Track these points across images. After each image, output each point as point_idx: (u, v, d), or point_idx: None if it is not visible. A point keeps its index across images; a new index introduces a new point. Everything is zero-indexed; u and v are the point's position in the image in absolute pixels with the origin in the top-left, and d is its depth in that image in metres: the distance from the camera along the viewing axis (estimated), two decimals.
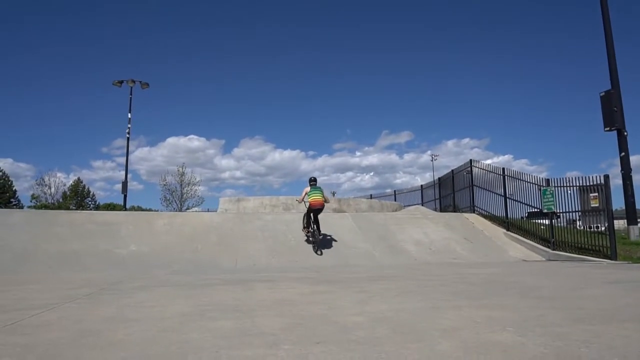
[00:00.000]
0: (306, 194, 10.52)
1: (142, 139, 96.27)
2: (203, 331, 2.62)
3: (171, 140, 79.33)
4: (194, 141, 77.08)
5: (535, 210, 11.52)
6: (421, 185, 20.45)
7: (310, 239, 10.34)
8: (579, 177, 10.39)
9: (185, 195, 35.30)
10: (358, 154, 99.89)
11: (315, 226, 10.29)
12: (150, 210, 35.30)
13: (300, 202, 10.98)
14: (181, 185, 35.28)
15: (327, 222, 11.20)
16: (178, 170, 35.70)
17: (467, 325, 2.71)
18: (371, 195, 24.70)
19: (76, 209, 37.74)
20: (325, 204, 10.48)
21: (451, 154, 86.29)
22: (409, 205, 18.35)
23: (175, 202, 34.79)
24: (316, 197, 10.26)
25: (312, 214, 10.37)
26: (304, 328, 2.69)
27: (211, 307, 3.57)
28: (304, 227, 10.63)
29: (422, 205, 18.63)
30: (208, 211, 19.84)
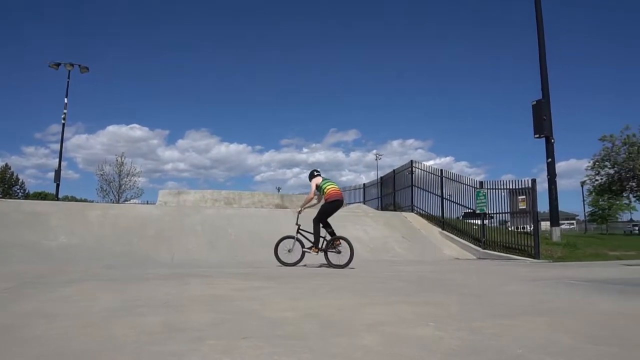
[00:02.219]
0: (317, 186, 7.82)
1: (81, 125, 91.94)
2: (128, 327, 2.55)
3: (112, 128, 76.35)
4: (137, 130, 74.64)
5: (470, 211, 12.09)
6: (364, 184, 20.84)
7: (330, 261, 7.29)
8: (509, 181, 11.02)
9: (123, 186, 34.06)
10: (305, 150, 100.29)
11: (329, 232, 7.58)
12: (85, 201, 33.73)
13: (306, 207, 7.98)
14: (120, 175, 34.02)
15: (269, 218, 11.18)
16: (117, 160, 34.38)
17: (393, 320, 2.81)
18: None
19: (2, 198, 35.37)
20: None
21: (396, 154, 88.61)
22: (352, 203, 18.63)
23: (113, 193, 33.49)
24: (334, 186, 7.81)
25: (327, 216, 7.66)
26: (233, 323, 2.69)
27: (141, 303, 3.48)
28: (315, 247, 7.57)
29: (365, 203, 18.99)
30: (147, 204, 19.22)
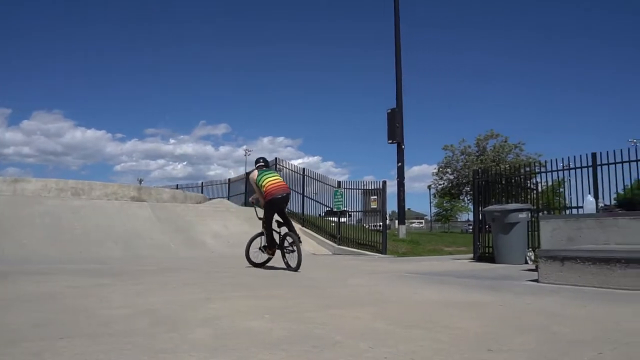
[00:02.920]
0: (255, 183, 6.64)
1: None
2: None
3: None
4: None
5: (329, 209, 12.75)
6: (229, 179, 20.62)
7: (287, 263, 6.31)
8: (363, 182, 11.83)
9: None
10: (172, 141, 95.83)
11: (285, 231, 6.57)
12: None
13: (252, 198, 7.31)
14: None
15: (122, 212, 10.48)
16: None
17: (230, 314, 2.85)
18: (177, 185, 23.91)
19: None
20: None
21: (266, 151, 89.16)
22: (214, 198, 18.32)
23: None
24: (276, 180, 6.62)
25: (275, 212, 6.65)
26: (58, 323, 2.50)
27: None
28: (267, 247, 6.57)
29: (229, 199, 18.79)
30: None
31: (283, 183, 6.74)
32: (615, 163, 7.27)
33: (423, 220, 67.02)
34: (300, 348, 2.00)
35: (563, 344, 2.16)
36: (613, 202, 7.10)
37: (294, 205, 13.89)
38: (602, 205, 6.82)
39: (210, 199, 18.12)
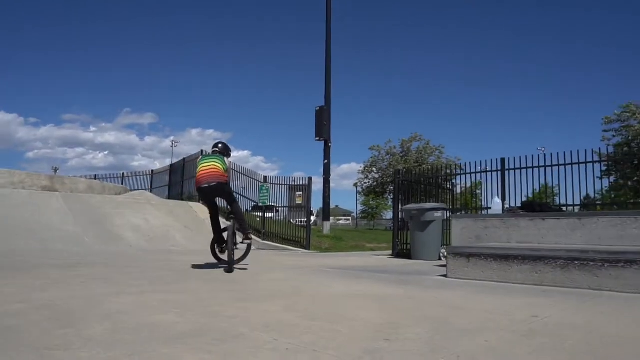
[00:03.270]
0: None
1: None
2: None
3: None
4: None
5: (256, 203, 12.66)
6: (152, 171, 19.86)
7: (224, 266, 5.49)
8: (289, 177, 11.89)
9: None
10: (93, 129, 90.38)
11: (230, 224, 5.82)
12: None
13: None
14: None
15: (30, 202, 9.76)
16: None
17: (137, 309, 2.76)
18: (96, 175, 22.66)
19: None
20: (224, 179, 5.78)
21: (194, 143, 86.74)
22: (136, 190, 17.57)
23: None
24: (206, 168, 5.67)
25: (209, 208, 6.08)
26: None
27: None
28: (218, 246, 5.96)
29: (152, 191, 18.11)
30: None
31: (213, 170, 5.63)
32: (521, 168, 7.91)
33: (350, 218, 68.44)
34: (201, 341, 1.99)
35: (456, 333, 2.31)
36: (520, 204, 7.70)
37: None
38: (508, 207, 7.36)
39: (131, 190, 17.36)
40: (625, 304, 3.24)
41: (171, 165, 18.22)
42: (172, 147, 57.05)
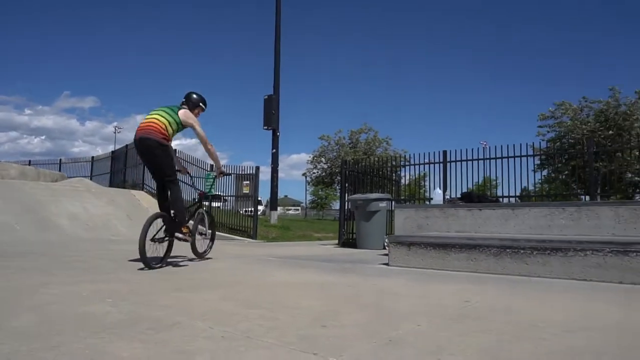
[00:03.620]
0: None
1: None
2: None
3: None
4: None
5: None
6: (92, 157, 19.00)
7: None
8: (236, 166, 11.74)
9: None
10: (28, 112, 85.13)
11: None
12: None
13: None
14: None
15: None
16: None
17: (68, 299, 2.66)
18: (30, 161, 21.39)
19: None
20: (160, 135, 4.53)
21: None
22: (74, 177, 16.77)
23: None
24: (147, 119, 4.66)
25: (151, 173, 5.12)
26: None
27: None
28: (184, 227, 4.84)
29: (92, 178, 17.34)
30: None
31: (150, 123, 4.55)
32: (462, 160, 8.23)
33: (300, 208, 68.59)
34: (134, 330, 1.94)
35: (391, 318, 2.38)
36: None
37: None
38: (449, 197, 7.64)
39: (69, 177, 16.55)
40: (550, 289, 3.46)
41: (113, 152, 17.50)
42: (115, 133, 54.89)
